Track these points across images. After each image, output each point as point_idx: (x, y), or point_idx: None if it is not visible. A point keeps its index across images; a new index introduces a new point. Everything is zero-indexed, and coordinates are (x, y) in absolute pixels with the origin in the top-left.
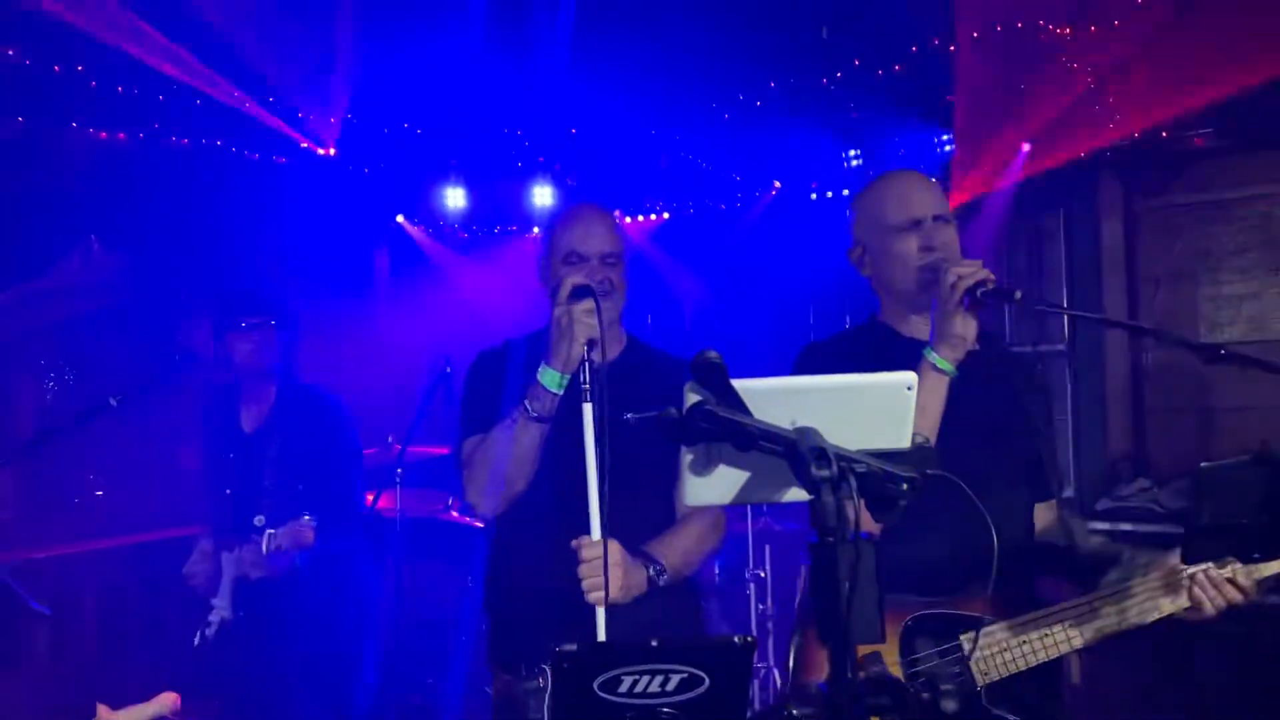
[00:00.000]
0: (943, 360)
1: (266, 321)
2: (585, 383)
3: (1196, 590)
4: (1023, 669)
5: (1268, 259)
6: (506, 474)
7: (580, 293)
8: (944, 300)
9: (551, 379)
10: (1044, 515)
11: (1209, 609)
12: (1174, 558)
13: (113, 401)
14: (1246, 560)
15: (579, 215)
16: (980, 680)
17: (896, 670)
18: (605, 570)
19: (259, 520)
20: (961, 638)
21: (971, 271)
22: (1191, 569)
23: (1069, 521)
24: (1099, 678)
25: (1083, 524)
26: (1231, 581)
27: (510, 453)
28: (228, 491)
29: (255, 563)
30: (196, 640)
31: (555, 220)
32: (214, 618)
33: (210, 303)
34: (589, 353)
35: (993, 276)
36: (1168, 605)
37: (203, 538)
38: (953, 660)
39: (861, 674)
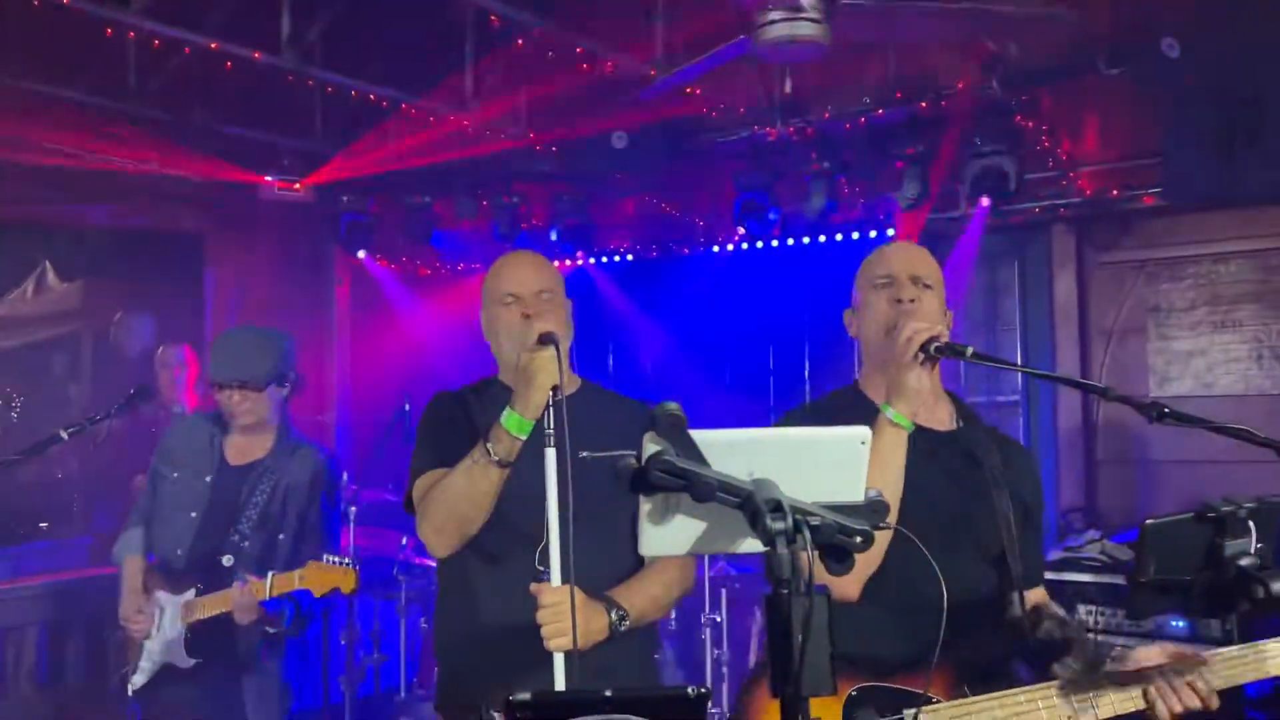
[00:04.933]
0: (899, 415)
1: (254, 388)
2: (549, 428)
3: (1152, 692)
4: None
5: (1214, 316)
6: (462, 514)
7: (544, 340)
8: (898, 355)
9: (515, 423)
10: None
11: (1163, 713)
12: (1137, 653)
13: (64, 434)
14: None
15: (509, 259)
16: None
17: None
18: (574, 616)
19: (227, 560)
20: (906, 713)
21: (926, 327)
22: (1149, 666)
23: (1042, 609)
24: None
25: (1056, 615)
26: (1191, 686)
27: (467, 494)
28: (193, 515)
29: (248, 606)
30: (128, 687)
31: (490, 270)
32: (147, 663)
33: (212, 346)
34: (553, 398)
35: (945, 331)
36: (1123, 702)
37: (132, 566)
38: None
39: None
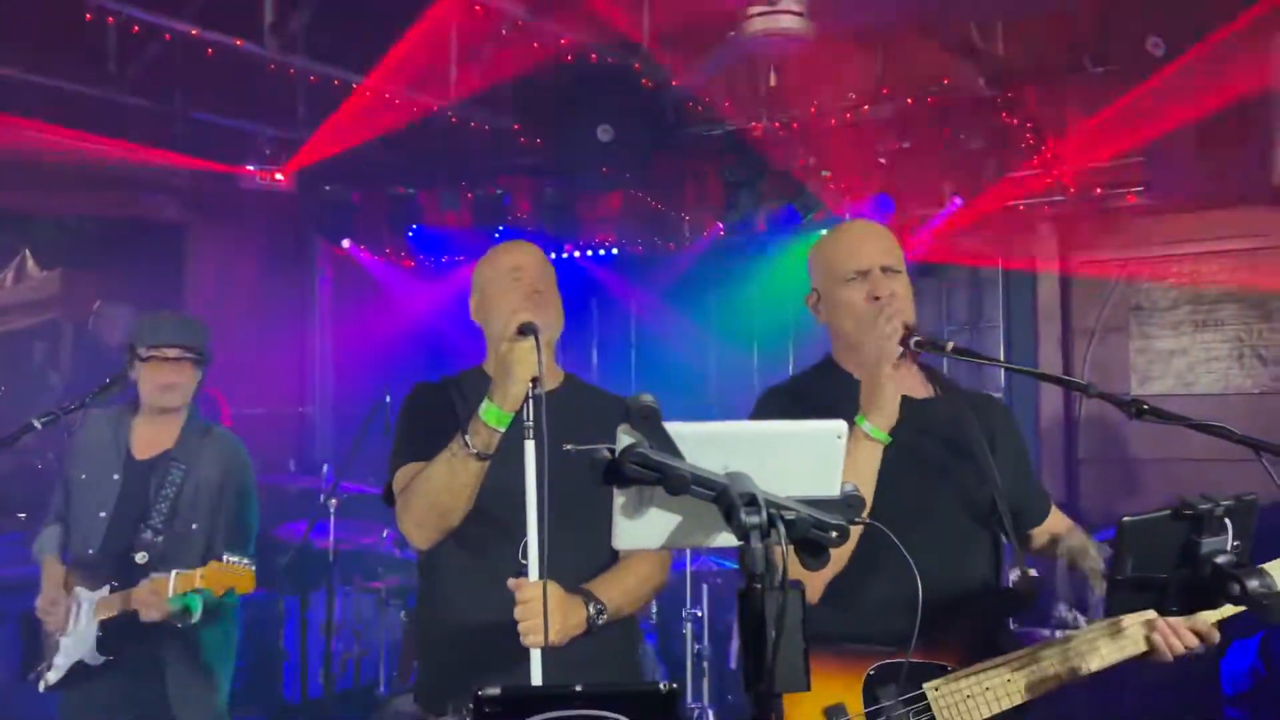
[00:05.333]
0: (875, 429)
1: (193, 356)
2: (528, 420)
3: (1156, 636)
4: (987, 716)
5: (1196, 316)
6: (441, 507)
7: (524, 330)
8: (872, 366)
9: (493, 415)
10: (1038, 540)
11: (1166, 654)
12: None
13: (37, 423)
14: (1165, 613)
15: (512, 244)
16: None
17: None
18: (545, 613)
19: (141, 557)
20: (925, 685)
21: (901, 324)
22: (1149, 614)
23: (1059, 538)
24: None
25: (1076, 545)
26: (1190, 626)
27: (447, 486)
28: (102, 515)
29: (152, 604)
30: (40, 683)
31: (487, 255)
32: (61, 660)
33: (138, 323)
34: (532, 390)
35: (913, 322)
36: (1129, 649)
37: (51, 564)
38: (917, 709)
39: None
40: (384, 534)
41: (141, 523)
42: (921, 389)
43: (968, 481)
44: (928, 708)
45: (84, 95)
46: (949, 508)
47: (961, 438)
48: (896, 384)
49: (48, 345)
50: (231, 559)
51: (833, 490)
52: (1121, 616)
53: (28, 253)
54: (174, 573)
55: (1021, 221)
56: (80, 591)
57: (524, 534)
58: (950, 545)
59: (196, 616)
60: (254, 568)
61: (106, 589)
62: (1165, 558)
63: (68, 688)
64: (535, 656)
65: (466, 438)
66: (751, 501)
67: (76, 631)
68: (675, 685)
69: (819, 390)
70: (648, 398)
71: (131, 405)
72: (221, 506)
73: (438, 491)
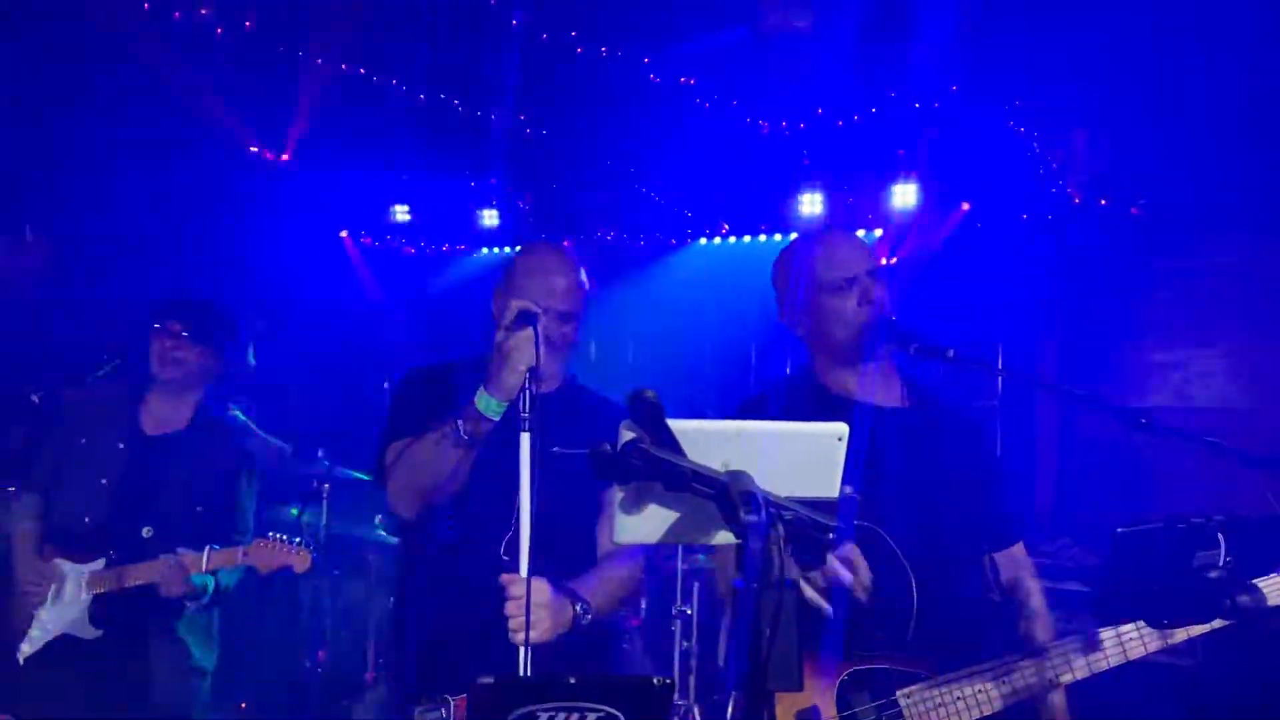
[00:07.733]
0: None
1: (196, 337)
2: (525, 412)
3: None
4: None
5: (1193, 330)
6: (422, 485)
7: (524, 319)
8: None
9: (488, 405)
10: (1006, 565)
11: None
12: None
13: (34, 399)
14: (1156, 625)
15: (545, 266)
16: None
17: None
18: (529, 609)
19: (147, 532)
20: (898, 693)
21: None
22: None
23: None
24: None
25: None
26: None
27: (430, 467)
28: (104, 481)
29: (176, 579)
30: (19, 656)
31: (519, 260)
32: (38, 633)
33: (166, 297)
34: (529, 382)
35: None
36: (1105, 662)
37: (27, 535)
38: (890, 715)
39: None
40: (376, 520)
41: (149, 498)
42: (895, 398)
43: (949, 492)
44: (901, 714)
45: (93, 69)
46: (910, 519)
47: (929, 449)
48: (866, 390)
49: (44, 323)
50: (280, 536)
51: (832, 492)
52: (1099, 628)
53: (27, 226)
54: (208, 548)
55: (1021, 229)
56: (63, 564)
57: (507, 528)
58: (927, 556)
59: (208, 598)
60: (310, 548)
61: (101, 562)
62: (1158, 569)
63: (45, 663)
64: (523, 654)
65: (459, 422)
66: (751, 500)
67: (60, 604)
68: (670, 680)
69: (793, 403)
70: (650, 393)
71: (144, 380)
72: (227, 492)
73: (421, 469)
